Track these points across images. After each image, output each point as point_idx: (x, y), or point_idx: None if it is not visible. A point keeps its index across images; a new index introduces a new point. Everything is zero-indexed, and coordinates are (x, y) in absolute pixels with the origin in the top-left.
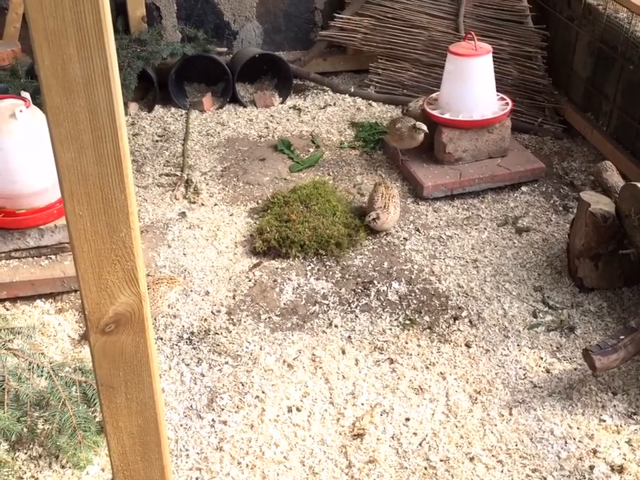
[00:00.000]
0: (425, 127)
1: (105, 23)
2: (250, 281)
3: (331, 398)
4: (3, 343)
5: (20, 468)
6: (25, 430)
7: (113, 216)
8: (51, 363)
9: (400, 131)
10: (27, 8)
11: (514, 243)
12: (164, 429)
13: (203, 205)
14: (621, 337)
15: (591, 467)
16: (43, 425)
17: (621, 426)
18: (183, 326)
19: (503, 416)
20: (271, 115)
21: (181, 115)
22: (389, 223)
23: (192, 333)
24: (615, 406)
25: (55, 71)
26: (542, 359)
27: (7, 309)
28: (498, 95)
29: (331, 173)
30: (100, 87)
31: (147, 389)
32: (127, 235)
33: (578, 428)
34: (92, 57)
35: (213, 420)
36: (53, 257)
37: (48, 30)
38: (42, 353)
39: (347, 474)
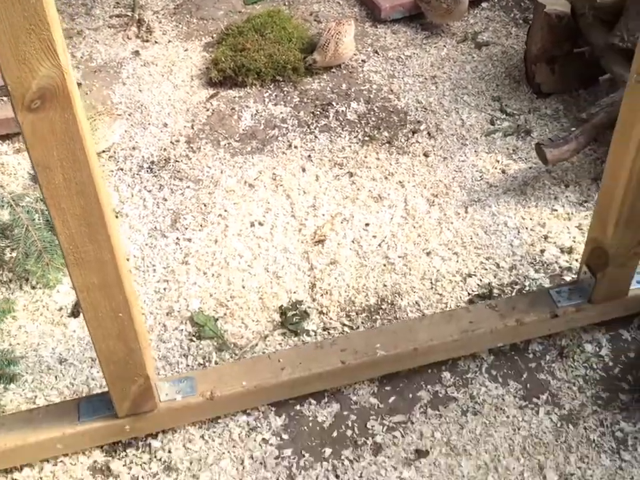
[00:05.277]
0: None
1: None
2: (208, 110)
3: (292, 212)
4: None
5: None
6: None
7: None
8: (10, 194)
9: (446, 3)
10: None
11: (473, 57)
12: (109, 210)
13: (156, 42)
14: (572, 129)
15: (542, 251)
16: (10, 253)
17: (572, 213)
18: (143, 157)
19: (459, 214)
20: None
21: None
22: (333, 61)
23: (152, 162)
24: (567, 197)
25: None
26: (498, 161)
27: None
28: None
29: (286, 3)
30: None
31: (83, 168)
32: (38, 1)
33: (531, 219)
34: None
35: (177, 238)
36: (4, 98)
37: None
38: (1, 186)
39: (309, 275)
